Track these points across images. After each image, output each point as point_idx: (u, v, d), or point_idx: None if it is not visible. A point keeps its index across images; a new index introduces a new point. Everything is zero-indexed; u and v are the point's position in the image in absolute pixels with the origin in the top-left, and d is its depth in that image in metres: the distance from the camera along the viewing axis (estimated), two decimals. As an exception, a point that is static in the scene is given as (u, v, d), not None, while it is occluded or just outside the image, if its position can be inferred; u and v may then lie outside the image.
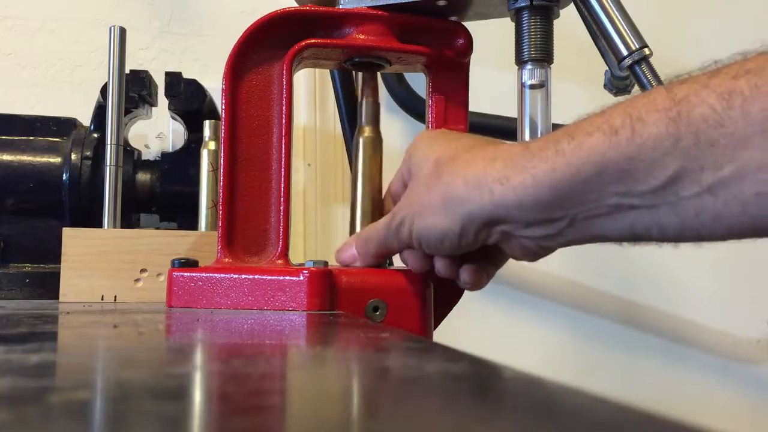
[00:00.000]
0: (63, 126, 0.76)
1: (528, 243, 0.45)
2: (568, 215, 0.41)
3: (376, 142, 0.60)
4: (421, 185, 0.48)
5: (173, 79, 0.77)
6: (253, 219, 0.58)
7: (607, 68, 0.60)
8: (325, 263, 0.53)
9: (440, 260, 0.51)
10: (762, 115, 0.33)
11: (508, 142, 0.48)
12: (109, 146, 0.66)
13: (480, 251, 0.50)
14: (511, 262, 0.53)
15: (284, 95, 0.58)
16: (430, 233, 0.47)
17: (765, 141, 0.33)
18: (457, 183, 0.45)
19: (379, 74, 0.63)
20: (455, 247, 0.47)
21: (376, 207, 0.60)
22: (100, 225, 0.65)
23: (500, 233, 0.45)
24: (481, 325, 1.02)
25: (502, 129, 0.87)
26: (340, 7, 0.59)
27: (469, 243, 0.46)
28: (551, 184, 0.40)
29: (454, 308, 0.59)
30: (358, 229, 0.59)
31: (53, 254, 0.67)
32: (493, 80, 0.87)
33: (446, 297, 0.57)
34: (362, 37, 0.58)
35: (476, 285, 0.52)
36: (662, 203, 0.37)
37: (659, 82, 0.53)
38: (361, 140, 0.60)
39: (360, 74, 0.63)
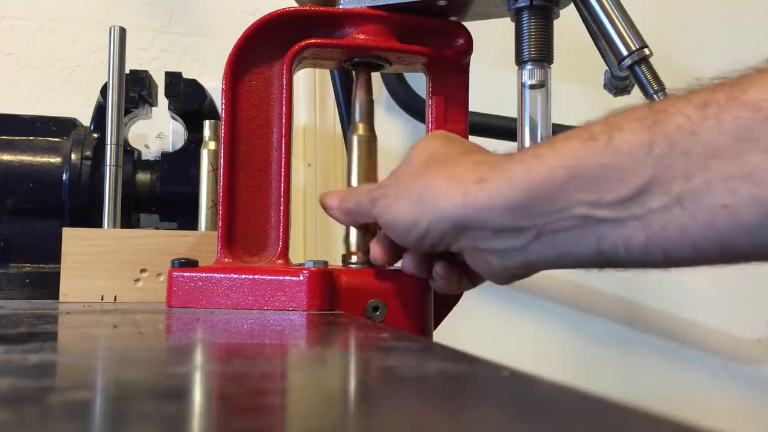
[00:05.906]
0: (63, 126, 0.76)
1: (492, 259, 0.44)
2: (536, 225, 0.40)
3: (371, 139, 0.60)
4: (410, 172, 0.48)
5: (173, 79, 0.77)
6: (253, 219, 0.58)
7: (607, 68, 0.60)
8: (325, 263, 0.53)
9: (408, 256, 0.51)
10: (735, 123, 0.33)
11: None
12: (109, 146, 0.66)
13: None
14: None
15: (284, 95, 0.58)
16: (399, 220, 0.47)
17: (736, 150, 0.33)
18: (439, 179, 0.45)
19: (378, 74, 0.63)
20: (418, 243, 0.46)
21: None
22: (100, 225, 0.65)
23: (467, 242, 0.44)
24: (481, 325, 1.02)
25: (502, 129, 0.87)
26: (340, 7, 0.59)
27: (434, 242, 0.45)
28: (524, 186, 0.40)
29: (454, 308, 0.59)
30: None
31: (53, 254, 0.67)
32: (493, 80, 0.87)
33: (446, 297, 0.57)
34: (362, 37, 0.58)
35: (447, 282, 0.51)
36: (630, 217, 0.37)
37: (659, 82, 0.53)
38: (355, 138, 0.59)
39: (354, 72, 0.63)
